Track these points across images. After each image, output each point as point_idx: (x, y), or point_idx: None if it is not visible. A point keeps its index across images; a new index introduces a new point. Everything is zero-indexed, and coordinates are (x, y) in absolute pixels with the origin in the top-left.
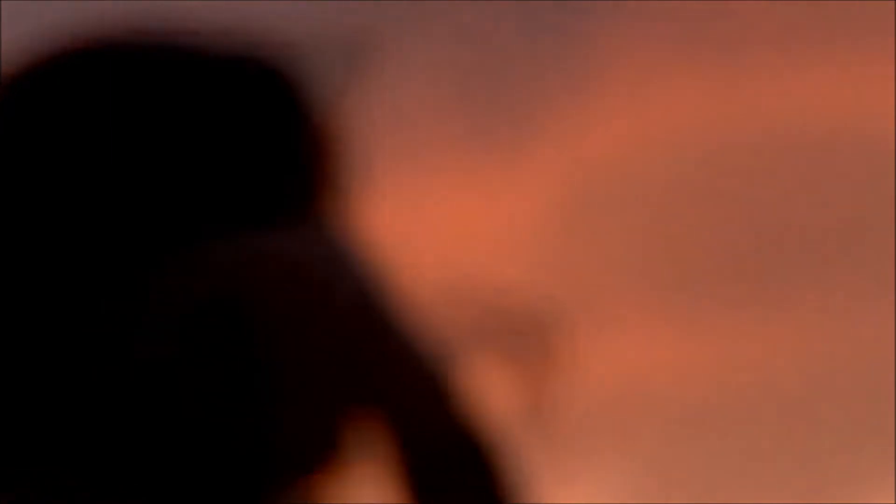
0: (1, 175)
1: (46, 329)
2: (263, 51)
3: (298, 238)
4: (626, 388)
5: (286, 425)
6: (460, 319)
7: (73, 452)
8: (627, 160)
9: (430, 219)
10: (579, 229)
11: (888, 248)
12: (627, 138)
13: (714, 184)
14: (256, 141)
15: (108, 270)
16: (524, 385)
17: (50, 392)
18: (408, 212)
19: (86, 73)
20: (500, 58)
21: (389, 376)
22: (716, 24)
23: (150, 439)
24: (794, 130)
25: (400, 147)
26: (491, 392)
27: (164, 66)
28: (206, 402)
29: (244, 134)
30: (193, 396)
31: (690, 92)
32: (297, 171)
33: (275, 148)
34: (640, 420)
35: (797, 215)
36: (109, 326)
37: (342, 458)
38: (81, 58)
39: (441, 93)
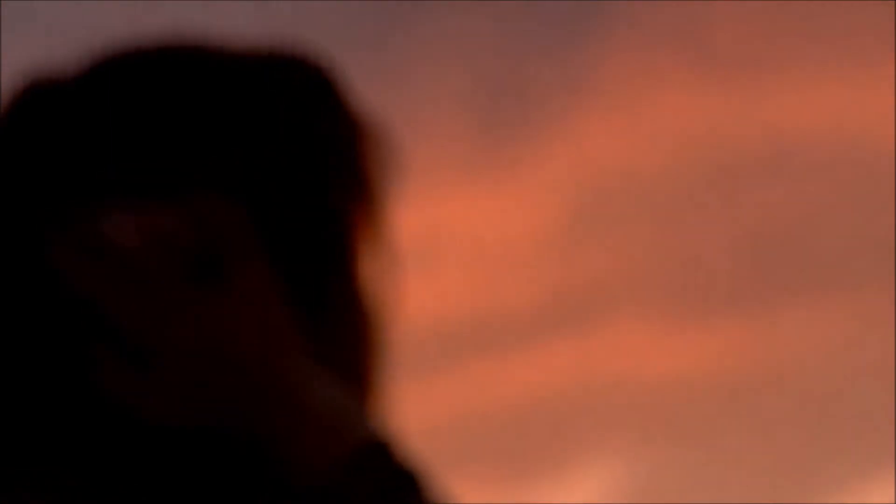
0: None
1: (46, 328)
2: (283, 52)
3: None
4: (626, 386)
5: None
6: None
7: (74, 453)
8: (631, 167)
9: (436, 224)
10: (583, 233)
11: (889, 253)
12: (631, 146)
13: (716, 189)
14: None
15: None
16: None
17: (50, 392)
18: (411, 218)
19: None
20: (507, 65)
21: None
22: (717, 30)
23: (150, 439)
24: (794, 136)
25: (406, 156)
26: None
27: (189, 67)
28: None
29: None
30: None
31: (695, 100)
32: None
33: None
34: (640, 419)
35: (797, 219)
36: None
37: None
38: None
39: (446, 101)
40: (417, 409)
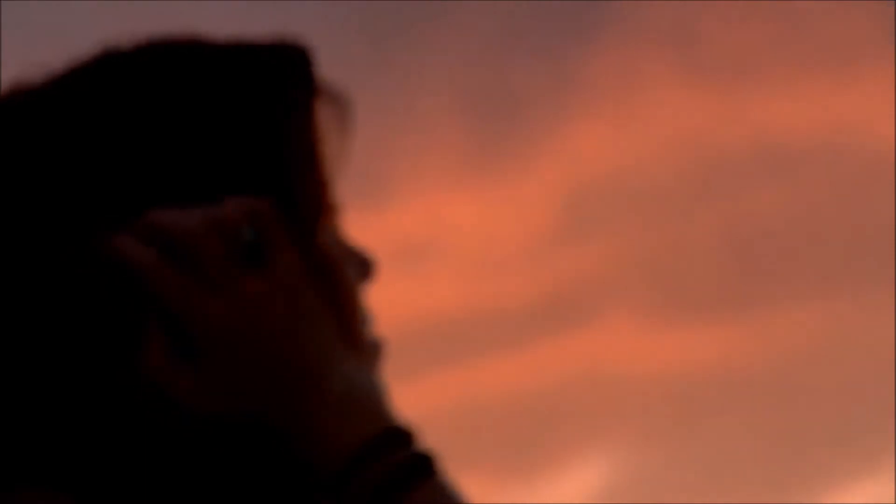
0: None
1: (97, 312)
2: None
3: None
4: (620, 383)
5: None
6: None
7: (109, 438)
8: (624, 166)
9: (431, 224)
10: (577, 232)
11: (886, 251)
12: (624, 145)
13: (708, 188)
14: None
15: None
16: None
17: (50, 395)
18: (409, 217)
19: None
20: (501, 66)
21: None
22: (709, 30)
23: (149, 442)
24: (787, 135)
25: (401, 156)
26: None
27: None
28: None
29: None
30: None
31: (687, 99)
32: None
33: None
34: (634, 416)
35: (789, 217)
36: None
37: None
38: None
39: (443, 102)
40: (413, 405)
